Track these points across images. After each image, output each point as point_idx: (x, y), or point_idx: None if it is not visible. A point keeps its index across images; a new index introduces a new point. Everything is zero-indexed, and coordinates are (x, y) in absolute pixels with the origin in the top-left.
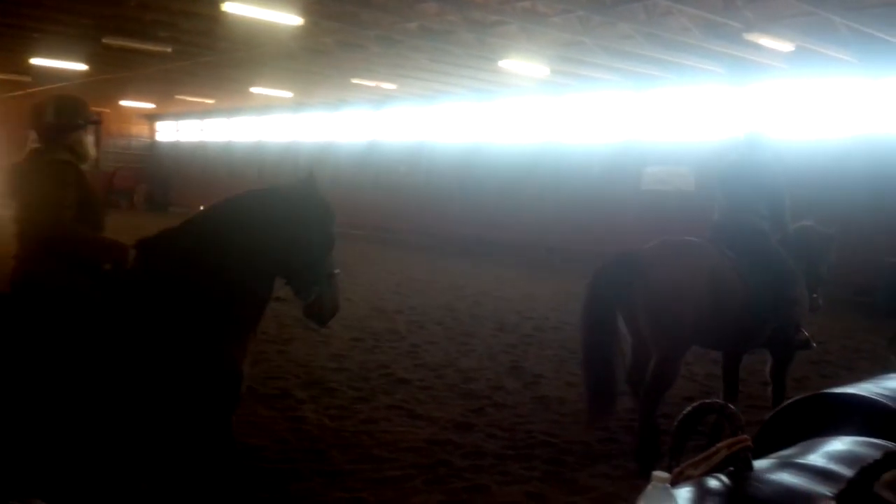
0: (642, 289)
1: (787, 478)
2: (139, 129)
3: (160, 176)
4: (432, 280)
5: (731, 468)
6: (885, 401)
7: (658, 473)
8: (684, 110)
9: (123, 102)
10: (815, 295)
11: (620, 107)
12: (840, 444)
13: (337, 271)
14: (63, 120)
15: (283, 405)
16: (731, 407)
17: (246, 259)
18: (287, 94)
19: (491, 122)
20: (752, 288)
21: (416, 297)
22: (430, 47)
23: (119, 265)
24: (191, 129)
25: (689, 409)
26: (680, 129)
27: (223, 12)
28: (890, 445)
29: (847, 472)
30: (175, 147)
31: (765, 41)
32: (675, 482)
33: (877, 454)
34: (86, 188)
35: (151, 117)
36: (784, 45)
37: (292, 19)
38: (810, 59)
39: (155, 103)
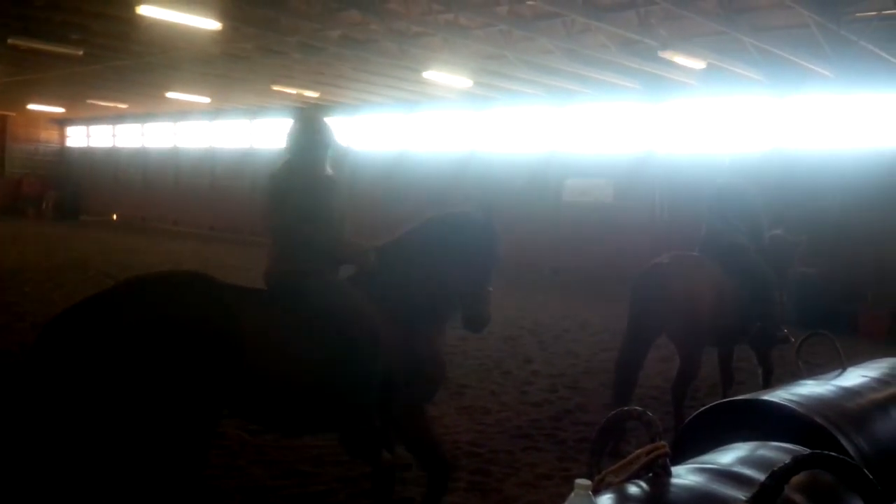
0: (665, 299)
1: (703, 482)
2: (48, 135)
3: (70, 183)
4: None
5: (651, 474)
6: (794, 406)
7: (580, 481)
8: (603, 124)
9: (31, 106)
10: (784, 330)
11: (542, 120)
12: (753, 448)
13: (491, 288)
14: None
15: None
16: (649, 414)
17: (447, 268)
18: (204, 99)
19: (415, 132)
20: (741, 293)
21: None
22: (353, 56)
23: (364, 266)
24: (103, 134)
25: (609, 415)
26: (599, 142)
27: (138, 15)
28: (799, 450)
29: (760, 476)
30: (86, 153)
31: (678, 59)
32: (597, 489)
33: (787, 458)
34: None
35: (61, 122)
36: (696, 63)
37: (210, 24)
38: (721, 77)
39: (65, 107)
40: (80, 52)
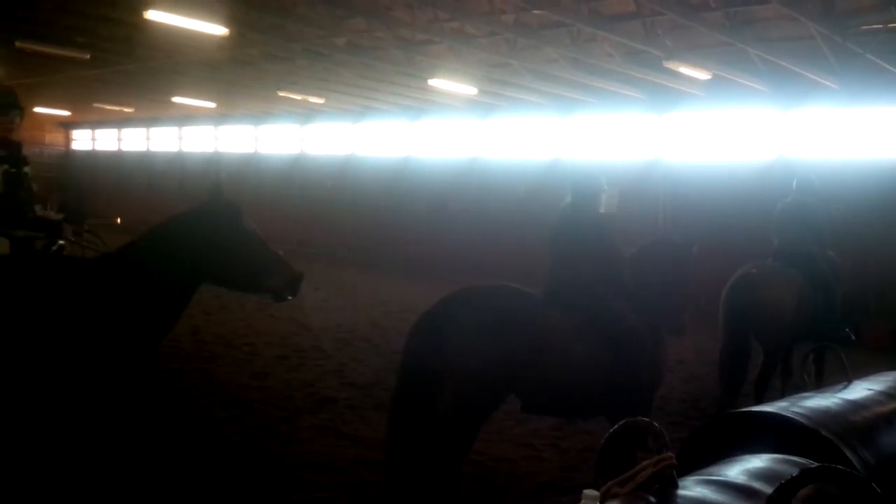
0: (754, 304)
1: (710, 495)
2: (53, 138)
3: (75, 186)
4: (359, 296)
5: (657, 486)
6: (800, 419)
7: (588, 492)
8: (608, 134)
9: (37, 109)
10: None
11: (546, 128)
12: (759, 461)
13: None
14: None
15: (203, 425)
16: (656, 425)
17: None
18: (210, 104)
19: (420, 139)
20: (816, 299)
21: (342, 313)
22: (359, 63)
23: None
24: (108, 138)
25: (615, 427)
26: (604, 151)
27: (145, 19)
28: (806, 462)
29: (766, 488)
30: (91, 156)
31: (684, 69)
32: (603, 500)
33: (794, 471)
34: None
35: (67, 125)
36: (701, 74)
37: (217, 29)
38: (726, 88)
39: (70, 111)
40: (87, 56)
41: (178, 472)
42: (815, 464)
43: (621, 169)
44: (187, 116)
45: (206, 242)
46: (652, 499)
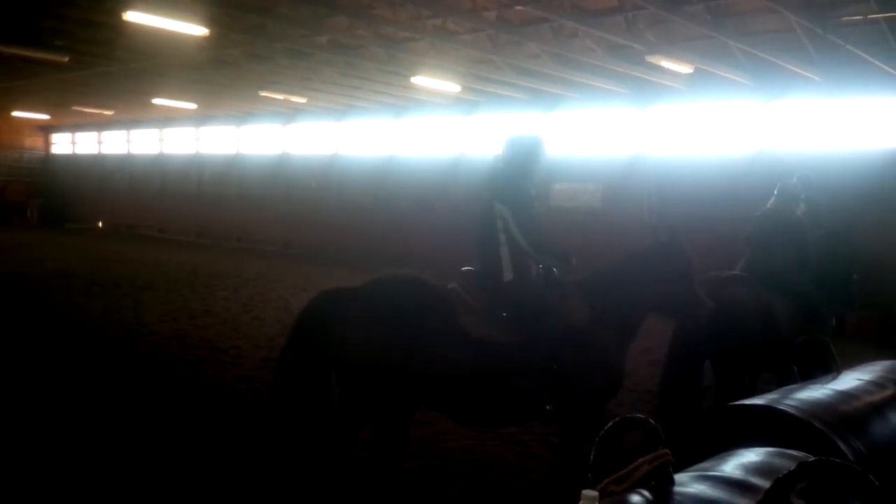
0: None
1: (707, 491)
2: (33, 142)
3: (55, 190)
4: None
5: (654, 482)
6: (792, 411)
7: (587, 492)
8: (592, 129)
9: (16, 113)
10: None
11: (530, 124)
12: (754, 455)
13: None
14: None
15: (189, 429)
16: (652, 422)
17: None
18: (191, 105)
19: (404, 136)
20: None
21: None
22: (341, 61)
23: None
24: (88, 141)
25: (610, 424)
26: (588, 146)
27: (124, 21)
28: (800, 455)
29: (763, 483)
30: (71, 160)
31: (666, 63)
32: (600, 498)
33: (791, 465)
34: None
35: (46, 129)
36: (683, 67)
37: (197, 30)
38: (708, 81)
39: (50, 114)
40: (66, 59)
41: (164, 475)
42: (811, 457)
43: (605, 164)
44: (168, 118)
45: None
46: (649, 495)
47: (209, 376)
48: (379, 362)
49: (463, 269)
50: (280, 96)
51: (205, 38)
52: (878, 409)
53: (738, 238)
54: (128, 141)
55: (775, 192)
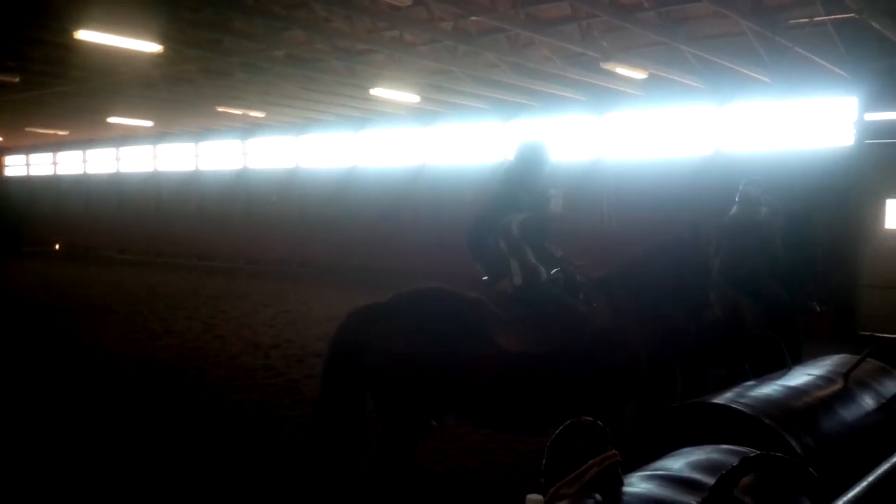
0: None
1: (654, 490)
2: None
3: (10, 213)
4: (310, 310)
5: (603, 484)
6: (742, 408)
7: (531, 496)
8: (551, 136)
9: None
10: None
11: (490, 133)
12: (702, 452)
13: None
14: None
15: (149, 452)
16: (600, 423)
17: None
18: (147, 123)
19: (365, 149)
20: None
21: (292, 329)
22: (299, 75)
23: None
24: (43, 162)
25: (560, 428)
26: (554, 153)
27: (76, 40)
28: (747, 451)
29: (709, 479)
30: (26, 182)
31: (621, 69)
32: (552, 502)
33: (735, 461)
34: None
35: None
36: (638, 73)
37: (151, 47)
38: (663, 86)
39: (2, 136)
40: (17, 79)
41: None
42: (756, 452)
43: (565, 170)
44: (125, 136)
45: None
46: (599, 497)
47: (170, 398)
48: (414, 372)
49: (483, 278)
50: (238, 111)
51: (159, 55)
52: (827, 403)
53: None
54: (84, 161)
55: (737, 198)
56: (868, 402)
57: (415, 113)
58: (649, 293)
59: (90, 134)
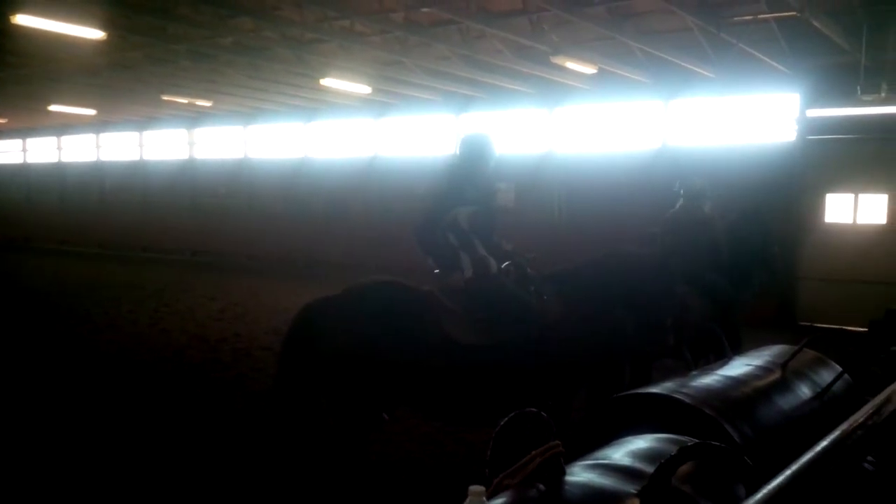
0: None
1: (596, 479)
2: None
3: None
4: (258, 304)
5: (546, 474)
6: (684, 398)
7: (474, 487)
8: (502, 129)
9: None
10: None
11: (442, 125)
12: (643, 442)
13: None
14: None
15: (89, 451)
16: (544, 415)
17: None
18: (90, 111)
19: (316, 139)
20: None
21: (240, 323)
22: (247, 63)
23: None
24: None
25: (505, 419)
26: (499, 146)
27: (14, 25)
28: (685, 440)
29: (649, 468)
30: None
31: (570, 64)
32: (495, 493)
33: (673, 449)
34: None
35: None
36: (587, 68)
37: (93, 33)
38: (611, 81)
39: None
40: None
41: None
42: (694, 441)
43: (516, 163)
44: (66, 125)
45: None
46: (541, 487)
47: (111, 392)
48: (366, 364)
49: (434, 271)
50: (184, 100)
51: (102, 42)
52: (765, 393)
53: (645, 231)
54: (23, 150)
55: (681, 192)
56: (804, 391)
57: (366, 104)
58: (601, 292)
59: (30, 122)
